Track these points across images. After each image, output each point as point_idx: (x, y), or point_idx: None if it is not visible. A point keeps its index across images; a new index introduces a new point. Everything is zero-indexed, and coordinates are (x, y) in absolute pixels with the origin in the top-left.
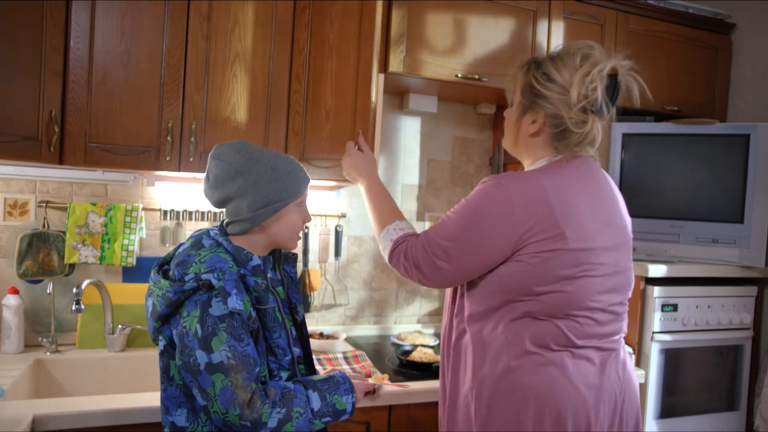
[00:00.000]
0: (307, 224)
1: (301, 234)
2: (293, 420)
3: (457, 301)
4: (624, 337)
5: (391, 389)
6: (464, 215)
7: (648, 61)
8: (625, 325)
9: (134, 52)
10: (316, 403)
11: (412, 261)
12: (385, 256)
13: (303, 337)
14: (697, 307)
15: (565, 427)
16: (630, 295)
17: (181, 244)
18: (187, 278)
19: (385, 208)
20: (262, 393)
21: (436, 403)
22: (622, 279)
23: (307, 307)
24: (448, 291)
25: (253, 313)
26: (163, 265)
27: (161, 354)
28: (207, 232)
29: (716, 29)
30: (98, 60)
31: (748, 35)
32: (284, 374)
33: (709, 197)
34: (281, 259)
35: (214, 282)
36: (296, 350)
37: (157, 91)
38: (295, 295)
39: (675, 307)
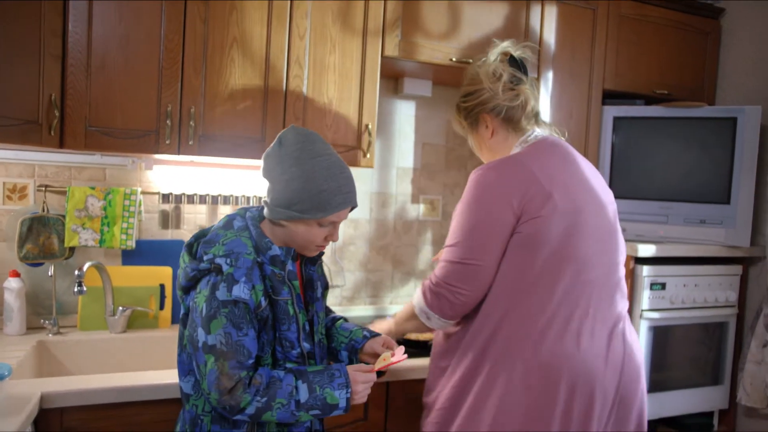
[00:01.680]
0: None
1: (318, 247)
2: (273, 410)
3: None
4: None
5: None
6: (464, 209)
7: (639, 45)
8: (624, 289)
9: (133, 35)
10: (303, 394)
11: (439, 284)
12: (425, 307)
13: (315, 334)
14: (684, 285)
15: (574, 396)
16: (624, 258)
17: (222, 220)
18: (205, 258)
19: (405, 306)
20: (247, 382)
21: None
22: (612, 242)
23: None
24: None
25: (264, 302)
26: (199, 238)
27: (181, 320)
28: (244, 212)
29: (706, 14)
30: (97, 44)
31: (736, 20)
32: (290, 366)
33: (698, 179)
34: (303, 257)
35: (225, 267)
36: (306, 345)
37: (156, 75)
38: (310, 293)
39: (663, 286)
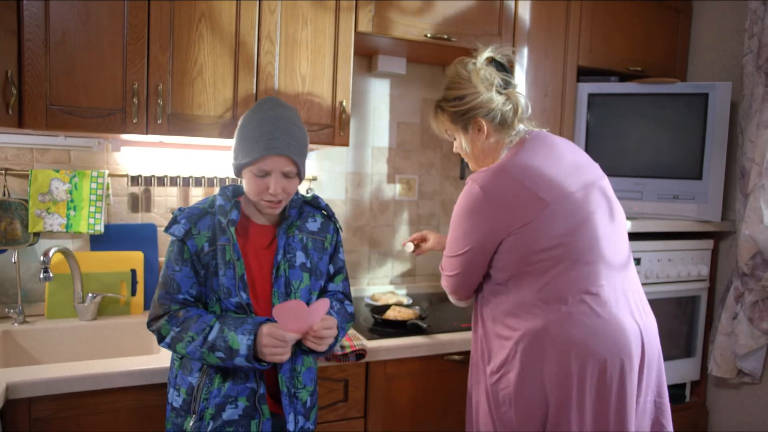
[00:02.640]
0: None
1: (268, 203)
2: (184, 342)
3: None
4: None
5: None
6: (456, 222)
7: (613, 21)
8: (631, 261)
9: (93, 9)
10: (212, 333)
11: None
12: None
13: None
14: (658, 260)
15: (605, 372)
16: (625, 229)
17: None
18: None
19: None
20: (173, 314)
21: (411, 359)
22: (612, 213)
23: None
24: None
25: (207, 247)
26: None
27: None
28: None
29: None
30: (55, 18)
31: None
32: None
33: (671, 155)
34: (284, 225)
35: (176, 213)
36: (243, 295)
37: (121, 52)
38: (277, 258)
39: (638, 261)
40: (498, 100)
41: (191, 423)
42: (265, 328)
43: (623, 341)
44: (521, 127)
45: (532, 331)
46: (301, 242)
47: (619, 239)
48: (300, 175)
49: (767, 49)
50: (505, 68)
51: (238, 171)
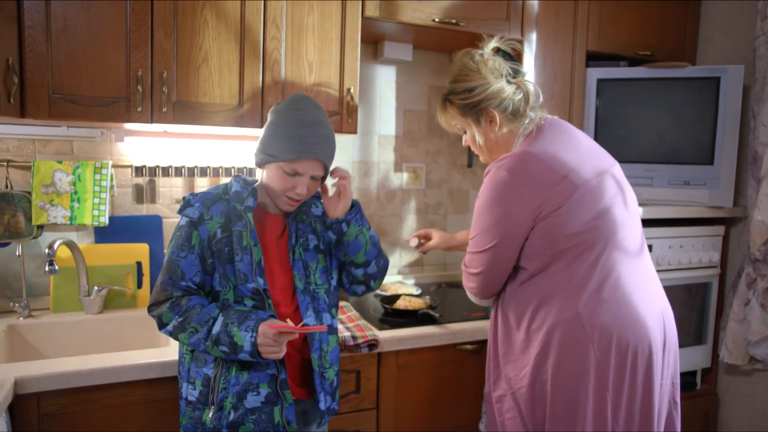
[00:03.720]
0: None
1: (290, 200)
2: (186, 332)
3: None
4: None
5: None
6: (483, 210)
7: (621, 6)
8: (646, 246)
9: None
10: (216, 326)
11: (466, 270)
12: (465, 286)
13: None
14: (670, 247)
15: (636, 357)
16: (639, 215)
17: None
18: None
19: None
20: (176, 301)
21: (423, 349)
22: (627, 202)
23: None
24: None
25: (220, 234)
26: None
27: None
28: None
29: None
30: (56, 4)
31: None
32: (249, 303)
33: (681, 140)
34: (295, 215)
35: (188, 196)
36: (260, 281)
37: (124, 39)
38: (291, 242)
39: (650, 248)
40: (509, 89)
41: (210, 414)
42: (266, 330)
43: (649, 326)
44: (532, 115)
45: (565, 320)
46: (310, 226)
47: (635, 226)
48: (324, 178)
49: None
50: (512, 58)
51: (265, 162)
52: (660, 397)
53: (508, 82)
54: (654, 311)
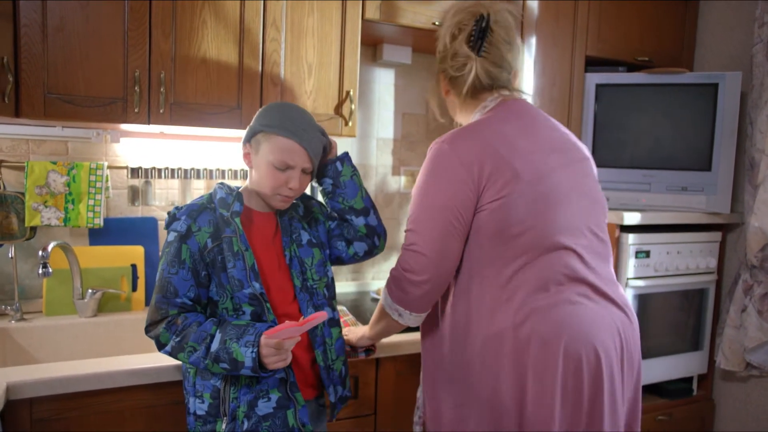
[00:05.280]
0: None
1: (284, 197)
2: (185, 352)
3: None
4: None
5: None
6: (420, 188)
7: (621, 11)
8: (610, 254)
9: None
10: (215, 344)
11: (400, 275)
12: (392, 302)
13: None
14: (667, 253)
15: (581, 368)
16: (606, 219)
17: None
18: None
19: (375, 313)
20: (171, 320)
21: (420, 355)
22: (589, 202)
23: None
24: None
25: (210, 244)
26: None
27: None
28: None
29: None
30: (53, 2)
31: None
32: (247, 309)
33: (679, 146)
34: (286, 212)
35: (173, 210)
36: (257, 285)
37: (121, 38)
38: (286, 239)
39: (647, 254)
40: (451, 61)
41: (224, 426)
42: (269, 341)
43: (601, 332)
44: (502, 93)
45: (517, 324)
46: (300, 222)
47: (596, 226)
48: (313, 174)
49: None
50: (481, 33)
51: (258, 132)
52: (612, 414)
53: (455, 55)
54: (610, 327)
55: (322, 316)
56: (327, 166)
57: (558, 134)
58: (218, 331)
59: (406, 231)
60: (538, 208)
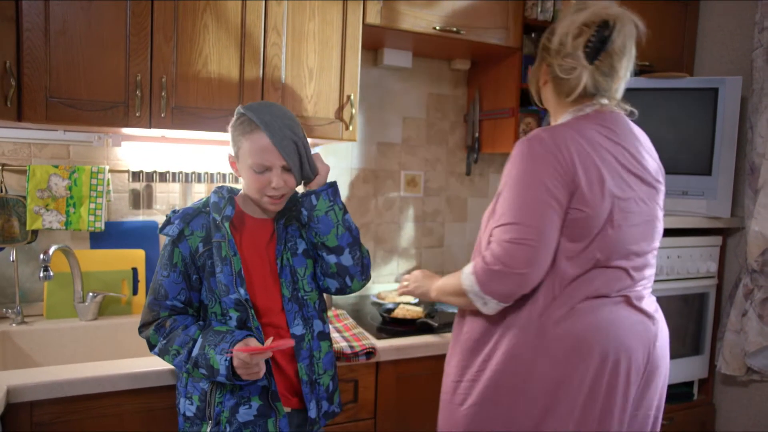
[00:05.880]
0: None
1: (271, 198)
2: (170, 354)
3: None
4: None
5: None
6: (516, 184)
7: None
8: (653, 272)
9: None
10: (196, 349)
11: (496, 266)
12: (480, 292)
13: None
14: (668, 257)
15: (605, 370)
16: (658, 243)
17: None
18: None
19: (453, 274)
20: (161, 322)
21: (421, 359)
22: (650, 228)
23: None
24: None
25: (202, 248)
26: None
27: None
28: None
29: None
30: (55, 6)
31: None
32: (234, 314)
33: (680, 150)
34: (278, 216)
35: (169, 214)
36: (242, 291)
37: (123, 42)
38: (279, 247)
39: None
40: (564, 63)
41: (208, 429)
42: (234, 351)
43: (633, 341)
44: (603, 102)
45: (559, 319)
46: (298, 230)
47: (651, 251)
48: (297, 174)
49: None
50: (601, 43)
51: (235, 140)
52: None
53: (570, 57)
54: (646, 333)
55: (290, 344)
56: (304, 197)
57: (640, 156)
58: (201, 336)
59: (503, 225)
60: (612, 227)
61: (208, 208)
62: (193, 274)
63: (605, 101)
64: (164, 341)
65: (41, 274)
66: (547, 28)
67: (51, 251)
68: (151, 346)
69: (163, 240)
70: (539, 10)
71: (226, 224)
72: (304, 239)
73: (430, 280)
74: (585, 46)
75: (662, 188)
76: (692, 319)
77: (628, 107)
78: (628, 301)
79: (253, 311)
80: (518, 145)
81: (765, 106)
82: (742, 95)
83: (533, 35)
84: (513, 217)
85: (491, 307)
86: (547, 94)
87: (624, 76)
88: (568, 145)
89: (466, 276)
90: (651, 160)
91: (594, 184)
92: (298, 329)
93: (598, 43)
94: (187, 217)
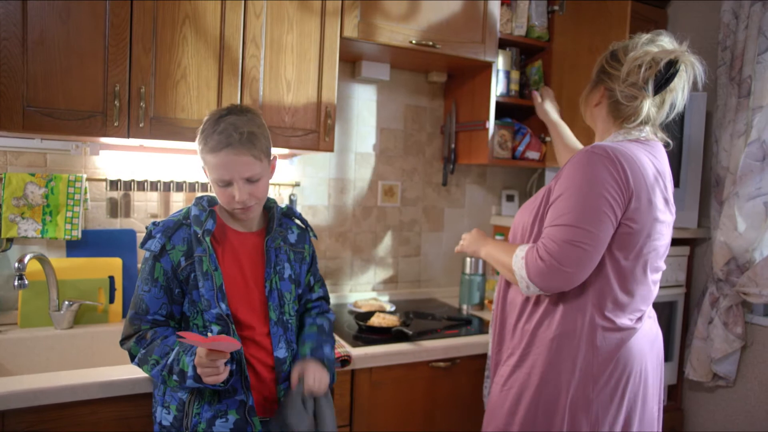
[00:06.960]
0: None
1: (239, 210)
2: (149, 364)
3: None
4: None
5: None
6: (577, 190)
7: (589, 32)
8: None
9: (74, 8)
10: (171, 356)
11: (551, 262)
12: (527, 279)
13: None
14: None
15: (630, 377)
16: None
17: None
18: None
19: (505, 247)
20: (142, 334)
21: (396, 366)
22: (666, 250)
23: None
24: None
25: (184, 262)
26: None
27: None
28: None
29: (653, 2)
30: (33, 16)
31: (681, 8)
32: (215, 328)
33: None
34: (269, 236)
35: (150, 227)
36: (223, 306)
37: (102, 53)
38: (268, 270)
39: None
40: (627, 91)
41: None
42: (198, 350)
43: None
44: (645, 130)
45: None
46: (286, 254)
47: (661, 268)
48: (264, 174)
49: (740, 61)
50: (665, 78)
51: (202, 162)
52: (649, 419)
53: (634, 86)
54: (657, 343)
55: (235, 346)
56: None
57: (670, 185)
58: (178, 345)
59: (561, 225)
60: (647, 247)
61: (188, 220)
62: (175, 288)
63: (649, 129)
64: (143, 351)
65: (16, 283)
66: (608, 53)
67: (26, 260)
68: (132, 357)
69: (143, 250)
70: (514, 25)
71: (208, 239)
72: (290, 264)
73: (483, 240)
74: (651, 79)
75: (674, 216)
76: (662, 326)
77: (667, 138)
78: (646, 317)
79: (233, 326)
80: (583, 154)
81: (729, 121)
82: (707, 110)
83: (507, 49)
84: (573, 221)
85: (532, 291)
86: (599, 114)
87: (667, 110)
88: (625, 163)
89: (517, 260)
90: (672, 190)
91: (643, 203)
92: (281, 352)
93: (664, 79)
94: (168, 231)
